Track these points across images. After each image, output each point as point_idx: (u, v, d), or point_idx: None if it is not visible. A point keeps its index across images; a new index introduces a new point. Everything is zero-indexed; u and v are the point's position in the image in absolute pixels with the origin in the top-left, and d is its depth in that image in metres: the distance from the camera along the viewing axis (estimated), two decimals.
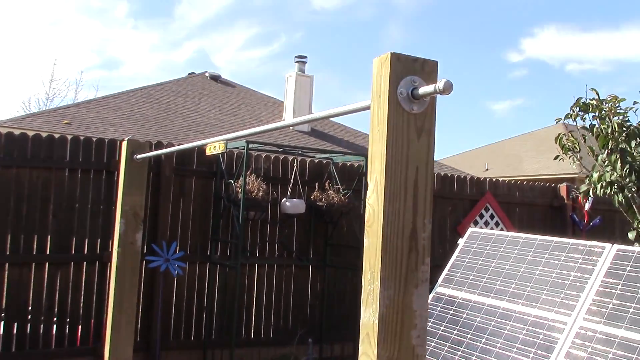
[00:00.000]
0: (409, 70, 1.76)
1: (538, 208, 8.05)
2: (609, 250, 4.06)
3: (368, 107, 1.88)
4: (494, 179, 8.26)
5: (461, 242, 5.36)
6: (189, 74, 20.01)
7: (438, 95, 1.68)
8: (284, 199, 6.54)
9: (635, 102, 4.29)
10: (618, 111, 4.11)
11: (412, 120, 1.76)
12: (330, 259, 6.93)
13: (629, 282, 3.80)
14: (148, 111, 15.32)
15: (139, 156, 3.55)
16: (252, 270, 6.61)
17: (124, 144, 3.60)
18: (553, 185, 8.39)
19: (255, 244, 6.63)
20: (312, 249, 6.91)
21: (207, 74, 19.61)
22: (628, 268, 3.88)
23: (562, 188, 8.15)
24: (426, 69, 1.78)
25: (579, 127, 4.63)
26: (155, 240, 6.03)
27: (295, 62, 16.73)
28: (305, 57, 16.80)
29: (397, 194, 1.71)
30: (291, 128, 15.97)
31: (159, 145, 6.17)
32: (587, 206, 7.66)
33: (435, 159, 1.88)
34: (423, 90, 1.71)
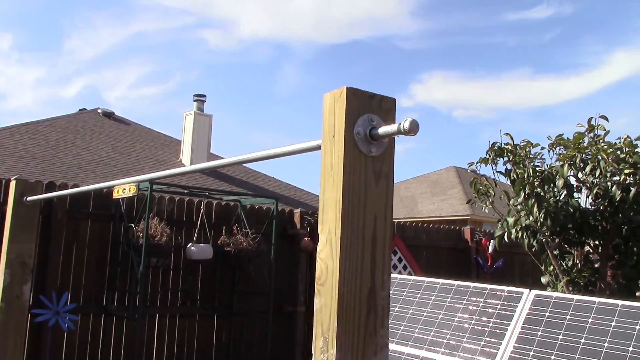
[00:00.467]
0: (366, 107, 1.58)
1: (444, 251, 8.13)
2: (527, 295, 4.05)
3: (318, 147, 1.67)
4: (401, 222, 8.29)
5: None
6: (80, 109, 18.97)
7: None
8: (190, 244, 6.14)
9: (543, 148, 4.40)
10: (530, 156, 4.20)
11: (369, 163, 1.57)
12: (238, 307, 6.56)
13: (549, 328, 3.79)
14: (34, 148, 14.28)
15: (29, 198, 3.12)
16: (153, 321, 6.10)
17: (12, 184, 3.15)
18: (457, 228, 8.55)
19: (156, 293, 6.14)
20: (218, 297, 6.52)
21: (99, 111, 18.71)
22: (547, 314, 3.88)
23: (466, 231, 8.32)
24: (384, 107, 1.61)
25: (479, 173, 4.69)
26: (44, 291, 5.41)
27: (194, 101, 16.37)
28: (205, 95, 16.49)
29: (354, 246, 1.50)
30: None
31: (51, 187, 5.60)
32: (490, 249, 7.83)
33: None
34: (384, 130, 1.52)
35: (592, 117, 4.58)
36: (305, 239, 7.05)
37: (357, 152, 1.53)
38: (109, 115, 18.62)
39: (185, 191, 6.53)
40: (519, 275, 8.29)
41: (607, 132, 4.43)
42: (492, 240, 8.44)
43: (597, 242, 4.21)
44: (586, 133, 4.35)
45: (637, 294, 4.24)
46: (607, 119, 4.58)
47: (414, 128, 1.45)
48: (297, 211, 7.33)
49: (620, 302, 3.66)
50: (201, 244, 6.14)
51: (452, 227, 8.62)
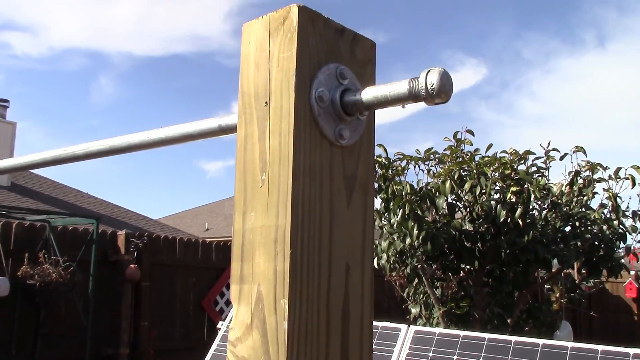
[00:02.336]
0: (331, 50, 0.85)
1: None
2: (406, 332, 3.52)
3: (230, 129, 0.90)
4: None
5: (222, 326, 4.39)
6: None
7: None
8: None
9: (414, 160, 3.97)
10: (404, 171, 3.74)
11: (337, 159, 0.83)
12: (43, 353, 5.29)
13: None
14: None
15: None
16: None
17: None
18: None
19: None
20: (17, 343, 5.19)
21: None
22: (431, 354, 3.37)
23: None
24: (358, 55, 0.90)
25: None
26: None
27: None
28: (7, 101, 14.45)
29: (311, 332, 0.76)
30: None
31: None
32: None
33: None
34: (373, 93, 0.78)
35: (458, 131, 4.27)
36: (132, 266, 6.01)
37: (318, 136, 0.79)
38: None
39: None
40: (387, 301, 7.95)
41: (476, 150, 4.14)
42: None
43: (471, 267, 3.86)
44: (458, 147, 4.00)
45: (509, 320, 3.95)
46: (473, 134, 4.29)
47: (445, 88, 0.74)
48: (121, 233, 6.25)
49: (513, 339, 3.26)
50: None
51: None
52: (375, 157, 4.02)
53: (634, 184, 3.76)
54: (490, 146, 3.87)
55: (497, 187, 3.73)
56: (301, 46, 0.74)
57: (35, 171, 13.59)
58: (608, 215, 4.04)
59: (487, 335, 3.34)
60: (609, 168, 4.25)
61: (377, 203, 4.15)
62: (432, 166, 3.96)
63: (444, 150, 4.11)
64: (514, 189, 3.49)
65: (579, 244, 3.90)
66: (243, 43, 0.80)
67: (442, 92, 0.68)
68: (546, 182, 3.86)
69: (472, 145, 4.21)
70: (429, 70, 0.70)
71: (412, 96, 0.70)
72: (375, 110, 0.85)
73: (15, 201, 12.52)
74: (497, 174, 3.63)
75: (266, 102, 0.75)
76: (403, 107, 0.75)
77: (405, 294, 4.46)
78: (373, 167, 0.84)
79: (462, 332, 3.39)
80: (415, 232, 3.41)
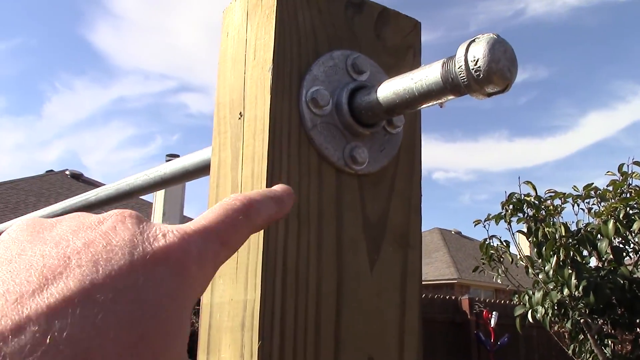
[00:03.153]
0: (339, 32, 0.54)
1: (438, 325, 7.04)
2: None
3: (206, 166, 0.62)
4: None
5: None
6: (47, 171, 18.05)
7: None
8: None
9: (568, 196, 3.45)
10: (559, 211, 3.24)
11: (351, 194, 0.47)
12: None
13: None
14: None
15: None
16: None
17: None
18: (453, 298, 7.47)
19: None
20: None
21: (67, 172, 17.75)
22: None
23: (464, 301, 7.24)
24: (388, 38, 0.58)
25: (489, 235, 3.73)
26: None
27: (167, 161, 15.57)
28: (178, 156, 15.67)
29: None
30: None
31: None
32: (492, 322, 6.75)
33: None
34: (389, 88, 0.42)
35: (623, 164, 3.66)
36: None
37: (314, 160, 0.47)
38: (77, 177, 17.62)
39: None
40: (524, 352, 7.20)
41: None
42: (494, 313, 7.39)
43: None
44: (625, 181, 3.42)
45: None
46: None
47: (500, 66, 0.39)
48: None
49: None
50: None
51: (447, 296, 7.53)
52: (522, 196, 3.58)
53: None
54: None
55: None
56: (282, 24, 0.49)
57: None
58: None
59: None
60: None
61: (527, 248, 3.66)
62: (592, 204, 3.41)
63: (607, 185, 3.54)
64: None
65: None
66: (222, 35, 0.57)
67: (494, 73, 0.39)
68: None
69: None
70: (472, 41, 0.41)
71: (450, 85, 0.42)
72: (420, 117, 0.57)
73: None
74: None
75: (240, 114, 0.51)
76: (441, 106, 0.46)
77: (570, 352, 3.86)
78: (418, 207, 0.55)
79: None
80: (574, 281, 2.89)
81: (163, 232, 0.26)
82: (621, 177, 3.59)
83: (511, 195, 3.33)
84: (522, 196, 3.32)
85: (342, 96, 0.50)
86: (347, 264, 0.49)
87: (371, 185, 0.52)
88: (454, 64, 0.41)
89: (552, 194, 3.31)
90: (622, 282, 3.00)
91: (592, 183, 3.59)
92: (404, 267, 0.52)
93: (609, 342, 3.42)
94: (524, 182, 3.33)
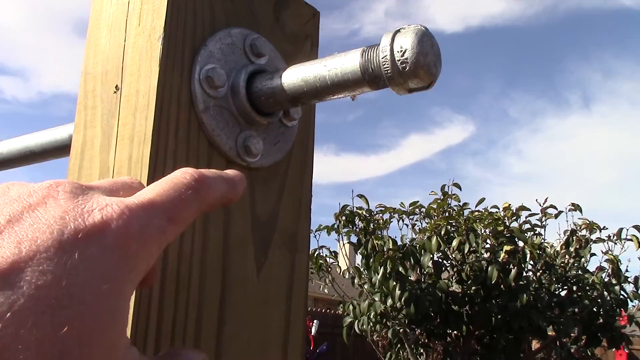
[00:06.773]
0: (238, 9, 0.48)
1: None
2: None
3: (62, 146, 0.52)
4: None
5: None
6: None
7: None
8: None
9: (396, 211, 3.66)
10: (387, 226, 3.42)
11: (243, 195, 0.40)
12: None
13: None
14: None
15: None
16: None
17: None
18: None
19: None
20: None
21: None
22: None
23: None
24: (288, 24, 0.53)
25: (318, 245, 3.85)
26: None
27: None
28: None
29: None
30: None
31: None
32: (313, 330, 6.93)
33: None
34: (297, 75, 0.37)
35: (445, 184, 3.99)
36: None
37: (204, 146, 0.40)
38: None
39: None
40: None
41: (465, 205, 3.85)
42: (315, 321, 7.58)
43: (459, 333, 3.50)
44: (445, 201, 3.71)
45: None
46: (460, 188, 4.01)
47: (428, 60, 0.36)
48: None
49: None
50: None
51: None
52: (355, 209, 3.72)
53: (639, 245, 3.48)
54: (481, 200, 3.59)
55: (487, 245, 3.42)
56: None
57: None
58: (607, 280, 3.74)
59: None
60: (606, 228, 3.97)
61: (358, 259, 3.81)
62: (417, 221, 3.65)
63: (430, 204, 3.81)
64: (507, 247, 3.17)
65: (576, 310, 3.58)
66: (91, 13, 0.48)
67: (421, 67, 0.37)
68: (541, 241, 3.57)
69: (459, 201, 3.93)
70: (397, 30, 0.38)
71: (369, 77, 0.39)
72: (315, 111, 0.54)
73: None
74: (487, 230, 3.33)
75: (117, 87, 0.43)
76: (353, 99, 0.43)
77: (386, 359, 4.07)
78: (308, 209, 0.51)
79: None
80: (398, 292, 3.06)
81: (100, 207, 0.23)
82: (443, 197, 3.90)
83: (344, 207, 3.44)
84: (355, 209, 3.45)
85: (239, 78, 0.44)
86: (233, 266, 0.43)
87: (262, 181, 0.47)
88: (377, 53, 0.38)
89: (382, 209, 3.48)
90: (440, 294, 3.23)
91: (418, 201, 3.85)
92: (292, 273, 0.48)
93: (423, 351, 3.66)
94: (357, 196, 3.47)
